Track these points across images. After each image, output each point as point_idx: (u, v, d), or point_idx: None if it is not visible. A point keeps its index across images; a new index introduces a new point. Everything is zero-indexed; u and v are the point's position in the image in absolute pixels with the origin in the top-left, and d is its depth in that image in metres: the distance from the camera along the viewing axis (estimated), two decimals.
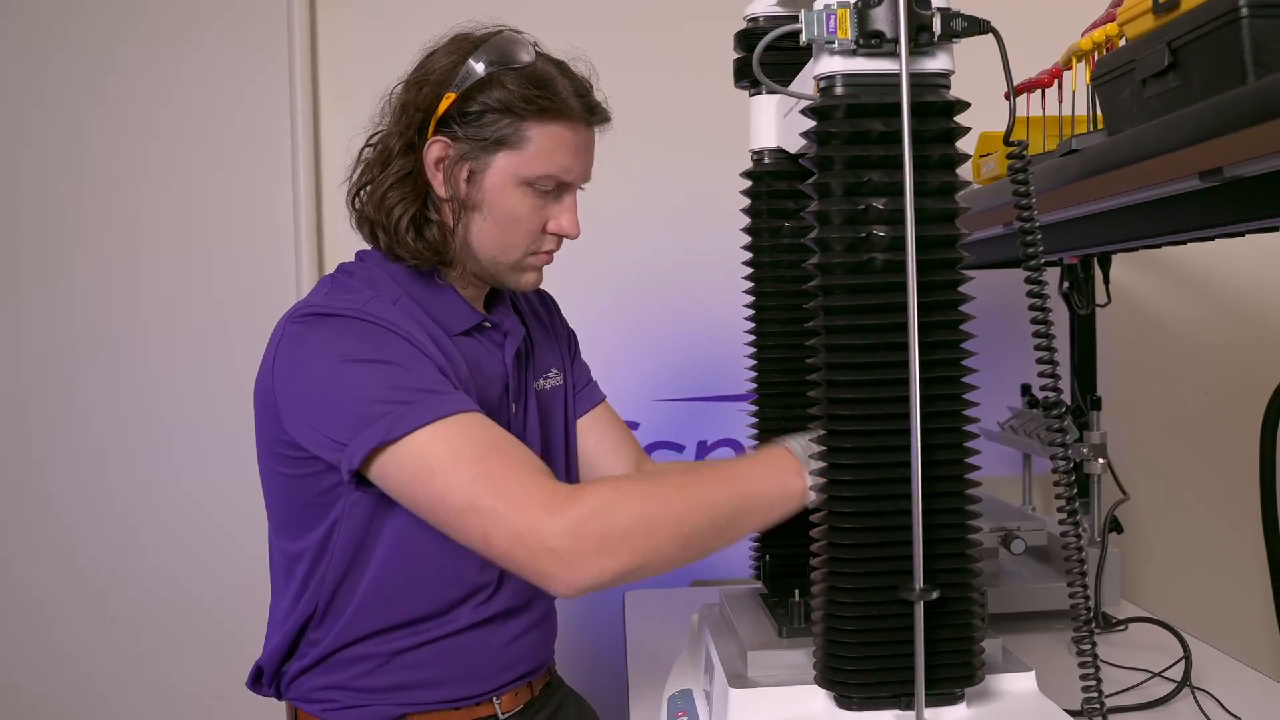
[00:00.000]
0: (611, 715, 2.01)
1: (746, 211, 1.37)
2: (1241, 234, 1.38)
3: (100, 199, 2.18)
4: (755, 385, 1.38)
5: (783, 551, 1.33)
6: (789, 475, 1.09)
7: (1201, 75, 0.92)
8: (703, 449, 2.25)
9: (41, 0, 2.16)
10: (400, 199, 1.17)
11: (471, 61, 1.15)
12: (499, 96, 1.15)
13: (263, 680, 1.28)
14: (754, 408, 1.38)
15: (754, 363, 1.38)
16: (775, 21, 1.26)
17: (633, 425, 2.21)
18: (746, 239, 1.37)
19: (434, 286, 1.23)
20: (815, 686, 1.05)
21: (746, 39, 1.31)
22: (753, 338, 1.38)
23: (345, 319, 1.11)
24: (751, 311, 1.37)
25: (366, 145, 1.23)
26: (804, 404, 1.06)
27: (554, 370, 1.39)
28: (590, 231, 2.18)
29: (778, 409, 1.34)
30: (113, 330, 2.16)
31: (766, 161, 1.35)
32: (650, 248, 2.22)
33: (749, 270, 1.37)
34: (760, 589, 1.36)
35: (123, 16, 2.17)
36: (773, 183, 1.34)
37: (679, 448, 2.23)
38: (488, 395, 1.23)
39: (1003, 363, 1.83)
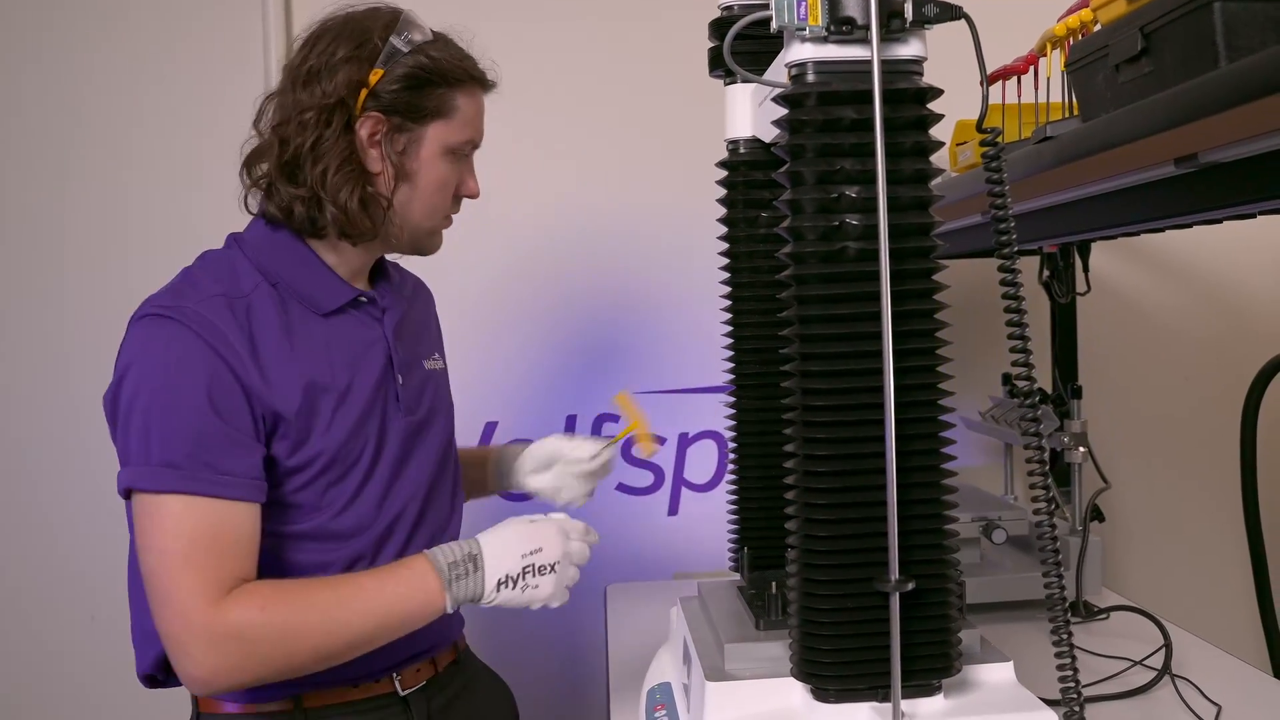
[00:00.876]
0: (592, 708, 2.00)
1: (722, 202, 1.36)
2: (1219, 220, 1.38)
3: (81, 200, 2.16)
4: (732, 376, 1.37)
5: (761, 543, 1.33)
6: (430, 594, 1.13)
7: (1174, 60, 0.91)
8: (684, 441, 2.24)
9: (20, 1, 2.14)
10: (345, 180, 1.19)
11: (393, 38, 1.19)
12: (430, 67, 1.20)
13: (159, 681, 1.25)
14: (731, 399, 1.37)
15: (731, 354, 1.37)
16: (749, 9, 1.25)
17: (613, 418, 2.21)
18: (723, 229, 1.36)
19: (308, 266, 1.23)
20: (792, 679, 1.04)
21: (720, 27, 1.30)
22: (730, 329, 1.37)
23: (171, 323, 1.12)
24: (728, 302, 1.37)
25: (279, 125, 1.21)
26: (780, 395, 1.05)
27: (436, 354, 1.42)
28: (567, 223, 2.20)
29: (755, 400, 1.34)
30: (96, 329, 2.13)
31: (742, 151, 1.34)
32: (627, 239, 2.21)
33: (725, 261, 1.36)
34: (739, 581, 1.35)
35: (100, 17, 2.15)
36: (748, 172, 1.33)
37: (660, 440, 2.22)
38: (366, 368, 1.24)
39: (986, 352, 1.83)
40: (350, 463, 1.21)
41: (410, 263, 1.40)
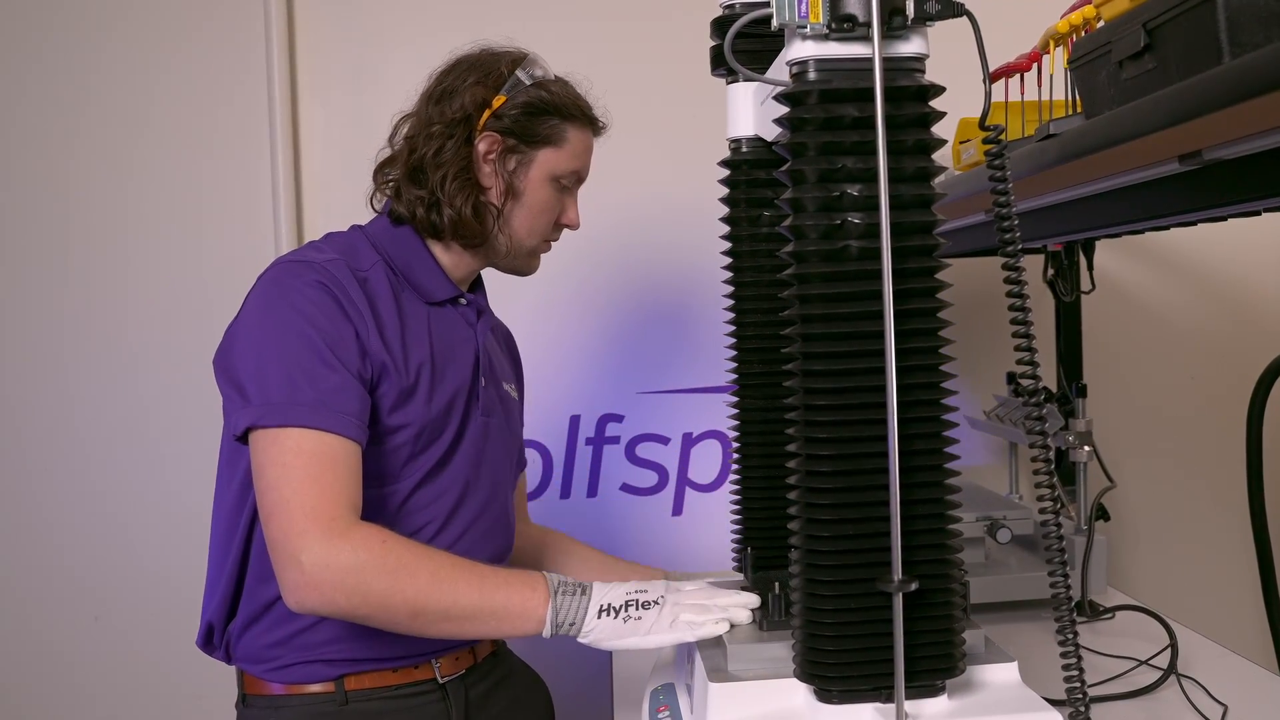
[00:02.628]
0: (595, 709, 2.00)
1: (725, 201, 1.36)
2: (1224, 218, 1.37)
3: (80, 196, 2.15)
4: (735, 376, 1.37)
5: (764, 543, 1.32)
6: (534, 596, 1.14)
7: (1177, 56, 0.90)
8: (688, 440, 2.24)
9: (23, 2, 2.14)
10: (460, 189, 1.32)
11: (519, 71, 1.33)
12: (547, 99, 1.33)
13: (213, 640, 1.32)
14: (735, 399, 1.37)
15: (734, 353, 1.37)
16: (750, 8, 1.25)
17: (617, 418, 2.21)
18: (726, 228, 1.36)
19: (423, 259, 1.35)
20: (795, 679, 1.04)
21: (722, 26, 1.29)
22: (732, 328, 1.36)
23: (297, 272, 1.23)
24: (731, 302, 1.36)
25: (412, 136, 1.34)
26: (784, 394, 1.04)
27: (514, 385, 1.51)
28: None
29: (758, 400, 1.33)
30: (95, 328, 2.14)
31: (744, 150, 1.33)
32: (634, 239, 2.20)
33: (728, 260, 1.36)
34: (742, 581, 1.34)
35: (102, 14, 2.15)
36: (751, 171, 1.32)
37: (664, 440, 2.22)
38: (459, 361, 1.34)
39: (991, 351, 1.82)
40: (432, 439, 1.29)
41: None
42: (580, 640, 1.14)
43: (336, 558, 1.10)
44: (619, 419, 2.21)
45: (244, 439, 1.18)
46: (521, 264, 1.41)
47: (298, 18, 2.16)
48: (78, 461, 2.15)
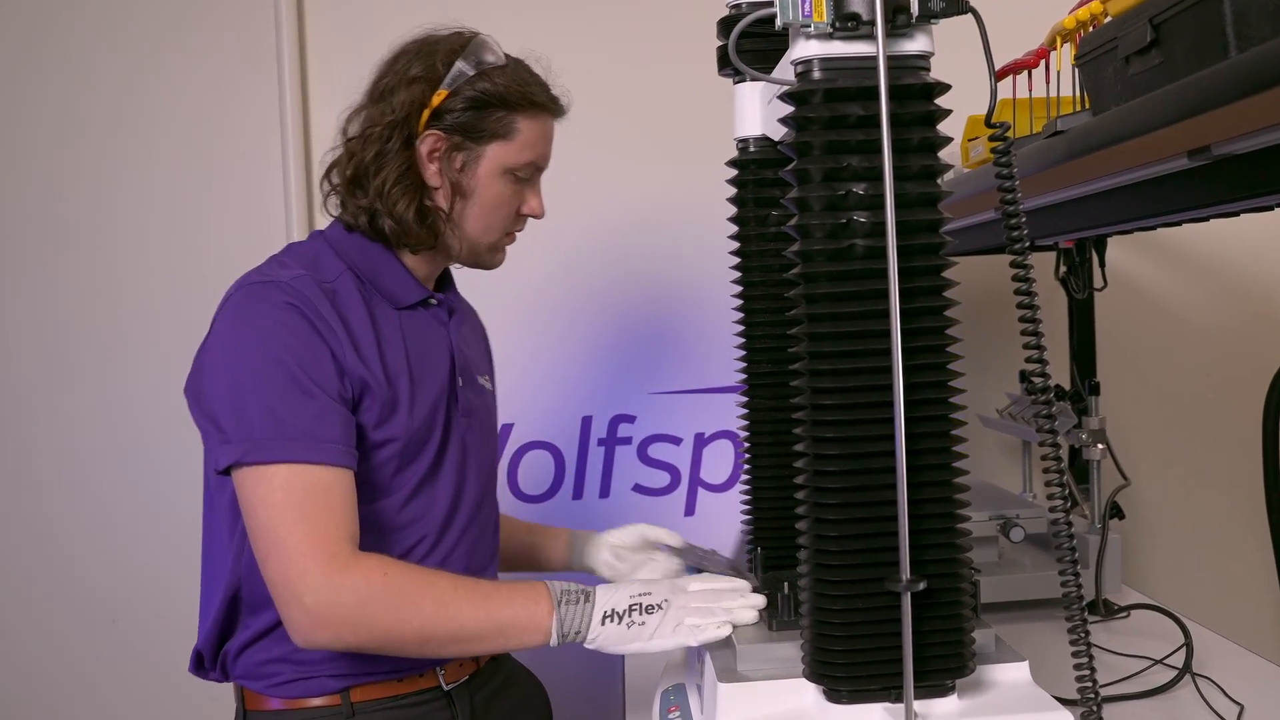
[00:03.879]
0: (593, 710, 2.00)
1: (733, 200, 1.36)
2: (1236, 213, 1.37)
3: (90, 198, 2.16)
4: (745, 376, 1.36)
5: (775, 543, 1.32)
6: (539, 609, 1.14)
7: (1184, 51, 0.90)
8: (700, 441, 2.23)
9: (32, 1, 2.15)
10: (403, 193, 1.26)
11: (460, 62, 1.25)
12: (491, 91, 1.25)
13: (204, 665, 1.30)
14: (744, 398, 1.37)
15: (743, 353, 1.36)
16: (756, 7, 1.24)
17: (629, 419, 2.21)
18: (735, 228, 1.36)
19: (388, 263, 1.30)
20: (805, 679, 1.04)
21: (728, 26, 1.29)
22: (741, 328, 1.36)
23: (265, 293, 1.18)
24: (740, 301, 1.36)
25: (352, 140, 1.29)
26: (792, 394, 1.04)
27: (488, 377, 1.47)
28: (579, 224, 2.20)
29: (768, 399, 1.33)
30: (107, 332, 2.15)
31: (752, 150, 1.33)
32: (645, 239, 2.20)
33: (737, 260, 1.36)
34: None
35: (112, 15, 2.16)
36: (758, 171, 1.32)
37: (676, 440, 2.22)
38: (435, 364, 1.30)
39: (1005, 349, 1.81)
40: (419, 449, 1.26)
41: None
42: (586, 646, 1.14)
43: (340, 595, 1.10)
44: (631, 420, 2.21)
45: (226, 472, 1.16)
46: (483, 260, 1.36)
47: (308, 18, 2.17)
48: (94, 464, 2.16)
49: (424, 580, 1.14)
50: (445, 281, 1.41)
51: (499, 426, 1.49)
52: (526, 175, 1.32)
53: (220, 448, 1.15)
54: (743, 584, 1.19)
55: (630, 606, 1.14)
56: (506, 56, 1.29)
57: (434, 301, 1.34)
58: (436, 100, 1.24)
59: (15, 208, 2.16)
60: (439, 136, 1.25)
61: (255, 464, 1.12)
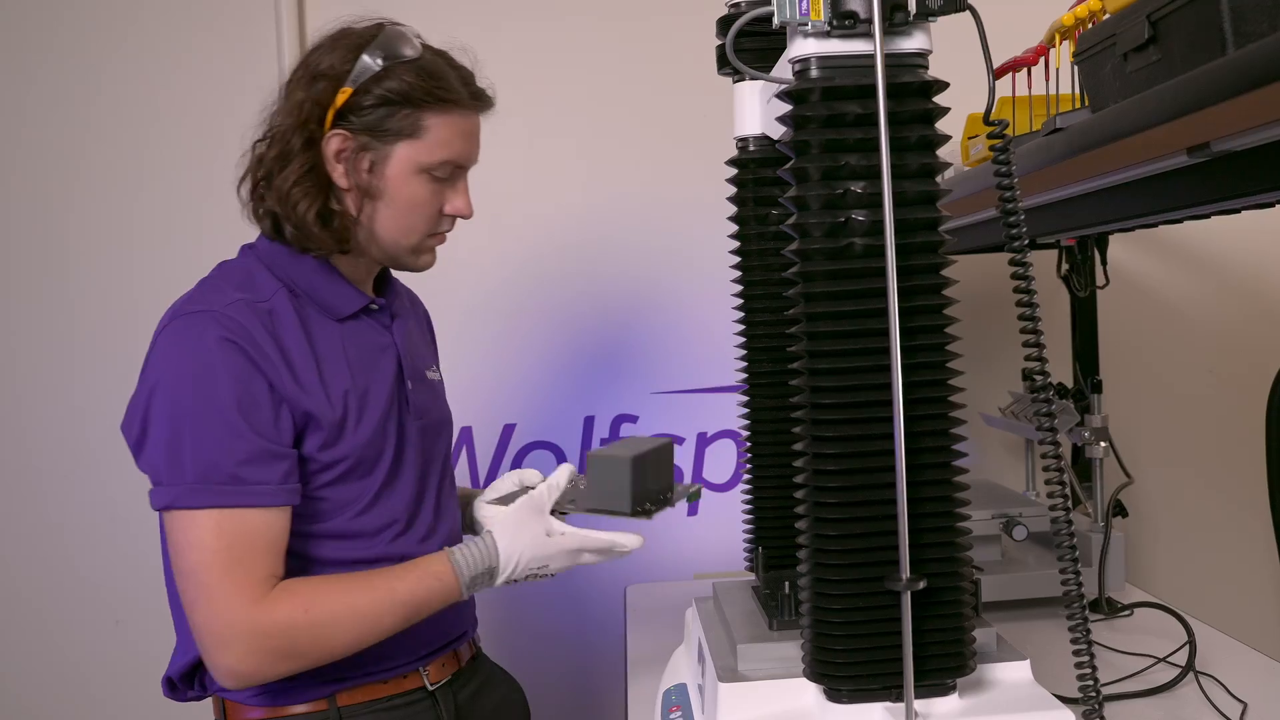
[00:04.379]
0: (611, 709, 2.00)
1: (733, 200, 1.36)
2: (1237, 210, 1.36)
3: (92, 200, 2.17)
4: (745, 375, 1.36)
5: (776, 543, 1.32)
6: (451, 594, 1.19)
7: (1182, 47, 0.89)
8: (703, 440, 2.23)
9: (33, 2, 2.16)
10: (304, 194, 1.21)
11: (365, 57, 1.20)
12: (396, 89, 1.20)
13: (177, 688, 1.29)
14: (745, 398, 1.37)
15: (744, 353, 1.36)
16: (754, 6, 1.24)
17: (631, 419, 2.21)
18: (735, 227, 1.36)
19: (322, 274, 1.26)
20: (805, 679, 1.04)
21: (727, 25, 1.29)
22: (742, 327, 1.36)
23: (198, 324, 1.15)
24: (740, 301, 1.36)
25: (260, 141, 1.25)
26: (793, 393, 1.04)
27: (434, 366, 1.44)
28: (582, 225, 2.20)
29: (768, 399, 1.33)
30: (113, 331, 2.15)
31: (751, 149, 1.33)
32: (647, 238, 2.20)
33: (737, 259, 1.36)
34: (754, 581, 1.34)
35: (113, 17, 2.17)
36: (758, 170, 1.32)
37: (679, 440, 2.22)
38: (382, 372, 1.28)
39: (1008, 348, 1.81)
40: (373, 462, 1.25)
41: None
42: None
43: (267, 640, 1.12)
44: (633, 419, 2.21)
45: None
46: (404, 263, 1.30)
47: (309, 19, 2.17)
48: (99, 464, 2.17)
49: (341, 598, 1.16)
50: (384, 280, 1.37)
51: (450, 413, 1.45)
52: (444, 175, 1.25)
53: (154, 490, 1.15)
54: (622, 540, 1.21)
55: (528, 576, 1.22)
56: (426, 48, 1.23)
57: (375, 307, 1.30)
58: (341, 99, 1.19)
59: (13, 212, 2.17)
60: (345, 136, 1.20)
61: (184, 509, 1.12)
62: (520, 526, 1.20)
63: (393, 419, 1.27)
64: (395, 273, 1.40)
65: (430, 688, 1.30)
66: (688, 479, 2.24)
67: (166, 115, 2.16)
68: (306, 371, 1.19)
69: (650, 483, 1.20)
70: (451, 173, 1.26)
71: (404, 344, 1.32)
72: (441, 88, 1.21)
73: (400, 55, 1.21)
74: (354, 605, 1.15)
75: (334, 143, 1.20)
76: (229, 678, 1.13)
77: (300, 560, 1.20)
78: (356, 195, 1.23)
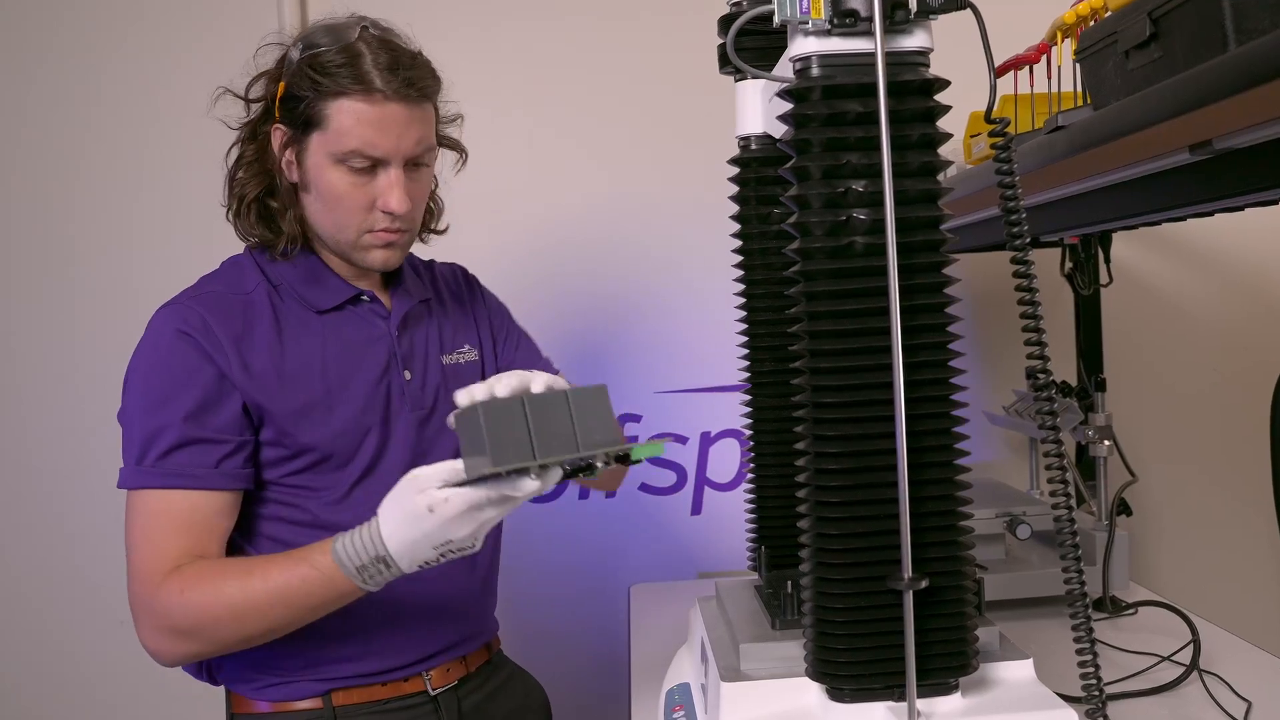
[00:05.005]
0: (615, 708, 1.99)
1: (735, 199, 1.36)
2: (1240, 208, 1.36)
3: (95, 198, 2.18)
4: (748, 374, 1.36)
5: (779, 542, 1.32)
6: (344, 591, 1.12)
7: (1183, 45, 0.89)
8: (706, 440, 2.23)
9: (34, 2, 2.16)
10: (245, 185, 1.28)
11: (290, 50, 1.24)
12: (303, 80, 1.21)
13: (199, 675, 1.32)
14: (748, 397, 1.37)
15: (746, 352, 1.36)
16: (755, 4, 1.24)
17: (634, 418, 2.21)
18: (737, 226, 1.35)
19: (306, 269, 1.30)
20: (808, 678, 1.04)
21: (729, 23, 1.29)
22: (744, 326, 1.36)
23: (166, 319, 1.23)
24: (742, 300, 1.36)
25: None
26: (795, 392, 1.04)
27: (467, 346, 1.42)
28: (584, 223, 2.20)
29: (771, 398, 1.33)
30: (120, 331, 2.15)
31: (754, 148, 1.33)
32: (649, 237, 2.20)
33: (739, 258, 1.36)
34: (757, 580, 1.34)
35: (115, 15, 2.17)
36: (759, 169, 1.32)
37: (683, 439, 2.22)
38: (367, 365, 1.29)
39: (1012, 346, 1.80)
40: (348, 455, 1.26)
41: None
42: None
43: (160, 619, 1.16)
44: (636, 419, 2.21)
45: None
46: (354, 259, 1.28)
47: (311, 17, 2.17)
48: (100, 463, 2.16)
49: (213, 584, 1.15)
50: (396, 278, 1.36)
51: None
52: (361, 166, 1.21)
53: (120, 476, 1.22)
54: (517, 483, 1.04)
55: (439, 556, 1.08)
56: (359, 38, 1.21)
57: (365, 298, 1.31)
58: (280, 91, 1.24)
59: (14, 209, 2.18)
60: (281, 130, 1.24)
61: (126, 488, 1.20)
62: (401, 508, 1.07)
63: (375, 412, 1.28)
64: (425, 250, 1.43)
65: (432, 692, 1.29)
66: (691, 478, 2.24)
67: (166, 115, 2.15)
68: (268, 363, 1.23)
69: (542, 433, 1.01)
70: (371, 165, 1.22)
71: (399, 333, 1.32)
72: (342, 75, 1.19)
73: (316, 45, 1.21)
74: (222, 590, 1.14)
75: (275, 137, 1.25)
76: (150, 653, 1.18)
77: (285, 548, 1.20)
78: (290, 189, 1.27)
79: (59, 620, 2.20)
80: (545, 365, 1.50)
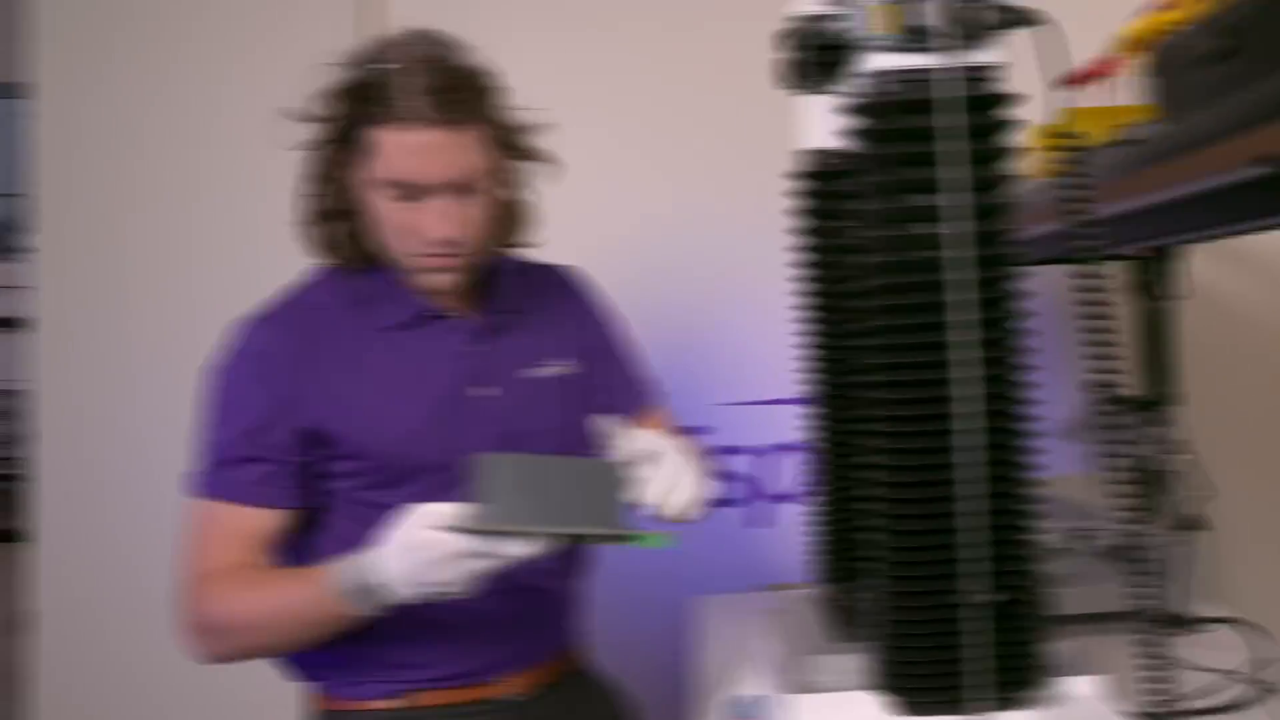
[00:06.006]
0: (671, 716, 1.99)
1: (796, 212, 1.36)
2: None
3: (146, 206, 2.23)
4: (809, 387, 1.36)
5: (843, 555, 1.31)
6: (323, 594, 1.16)
7: (1259, 56, 0.88)
8: (765, 452, 2.22)
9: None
10: (306, 199, 1.30)
11: (339, 71, 1.24)
12: (344, 106, 1.22)
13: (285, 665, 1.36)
14: (809, 409, 1.36)
15: (807, 364, 1.36)
16: (819, 20, 1.24)
17: (701, 430, 2.20)
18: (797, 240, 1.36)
19: (379, 284, 1.31)
20: (874, 692, 1.03)
21: (790, 39, 1.29)
22: (804, 339, 1.36)
23: (238, 337, 1.30)
24: (801, 314, 1.36)
25: None
26: (856, 405, 1.04)
27: (562, 358, 1.39)
28: (643, 235, 2.20)
29: (833, 410, 1.32)
30: (174, 335, 2.17)
31: (813, 162, 1.33)
32: (714, 246, 2.20)
33: (799, 272, 1.36)
34: (824, 592, 1.34)
35: (178, 18, 2.23)
36: (819, 183, 1.32)
37: (740, 451, 2.21)
38: (435, 381, 1.30)
39: (1060, 361, 1.78)
40: (413, 471, 1.25)
41: None
42: None
43: (194, 621, 1.23)
44: (705, 431, 2.21)
45: None
46: (415, 280, 1.29)
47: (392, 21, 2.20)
48: (146, 461, 2.20)
49: (230, 593, 1.22)
50: (488, 287, 1.35)
51: (583, 409, 1.36)
52: (400, 194, 1.20)
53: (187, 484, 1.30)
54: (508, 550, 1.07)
55: (423, 595, 1.11)
56: (401, 57, 1.19)
57: (439, 315, 1.31)
58: (330, 113, 1.26)
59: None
60: (335, 150, 1.26)
61: (189, 495, 1.28)
62: (397, 539, 1.10)
63: (445, 428, 1.28)
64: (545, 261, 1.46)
65: (505, 700, 1.30)
66: (750, 491, 2.22)
67: (233, 122, 2.17)
68: (334, 380, 1.26)
69: (544, 500, 1.06)
70: (412, 191, 1.20)
71: (487, 347, 1.33)
72: (377, 102, 1.17)
73: (356, 68, 1.22)
74: (241, 598, 1.22)
75: (334, 157, 1.26)
76: (190, 655, 1.24)
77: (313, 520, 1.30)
78: (357, 209, 1.28)
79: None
80: (640, 387, 1.49)
